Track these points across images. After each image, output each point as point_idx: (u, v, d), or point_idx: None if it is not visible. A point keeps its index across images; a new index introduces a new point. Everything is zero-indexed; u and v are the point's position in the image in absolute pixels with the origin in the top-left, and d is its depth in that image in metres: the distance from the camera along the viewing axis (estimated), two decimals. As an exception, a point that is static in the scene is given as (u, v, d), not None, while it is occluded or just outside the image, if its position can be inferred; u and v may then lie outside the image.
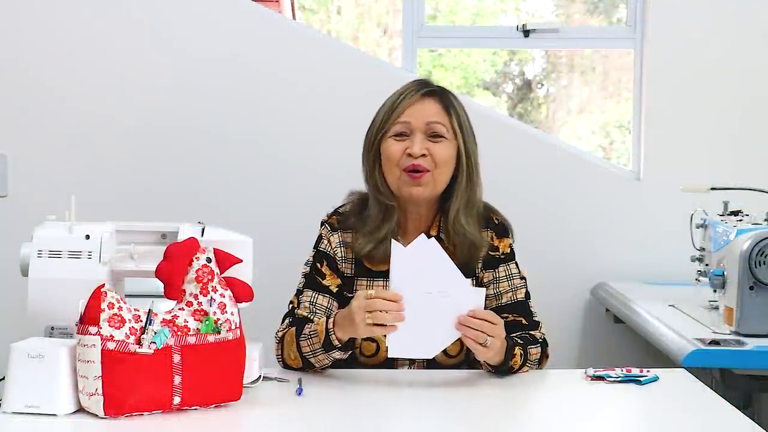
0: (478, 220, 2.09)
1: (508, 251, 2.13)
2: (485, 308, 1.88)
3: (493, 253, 2.11)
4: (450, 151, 2.04)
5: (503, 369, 1.93)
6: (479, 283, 2.10)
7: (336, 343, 1.89)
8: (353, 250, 2.08)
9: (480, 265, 2.10)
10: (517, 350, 1.94)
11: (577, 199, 3.22)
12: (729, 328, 2.28)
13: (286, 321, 2.05)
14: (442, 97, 2.07)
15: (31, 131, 3.12)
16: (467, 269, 2.05)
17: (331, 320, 1.90)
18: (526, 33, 3.34)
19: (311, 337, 1.92)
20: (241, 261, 1.76)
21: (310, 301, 2.05)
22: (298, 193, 3.13)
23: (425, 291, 1.83)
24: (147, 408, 1.62)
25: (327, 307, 2.05)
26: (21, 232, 1.94)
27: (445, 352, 2.02)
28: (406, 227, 2.11)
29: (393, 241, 1.85)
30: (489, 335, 1.83)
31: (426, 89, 2.07)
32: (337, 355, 1.91)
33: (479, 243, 2.07)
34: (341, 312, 1.90)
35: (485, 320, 1.84)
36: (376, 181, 2.08)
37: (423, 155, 2.01)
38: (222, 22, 3.14)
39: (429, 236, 2.05)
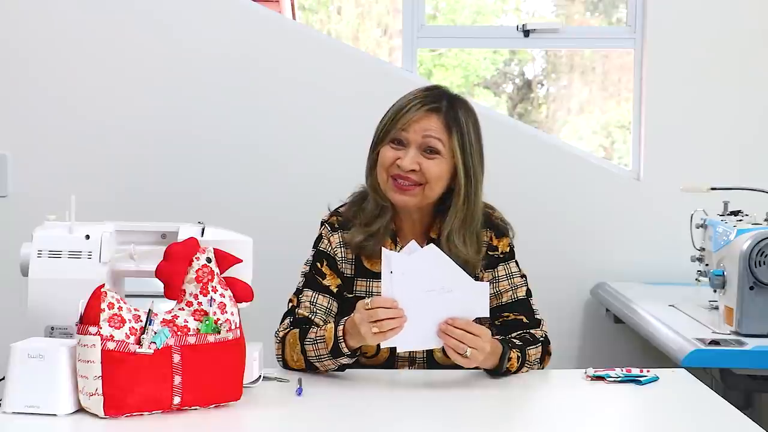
0: (476, 236, 2.08)
1: (508, 250, 2.13)
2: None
3: (492, 253, 2.11)
4: (442, 169, 2.02)
5: (498, 373, 1.93)
6: (480, 283, 2.10)
7: (345, 350, 1.89)
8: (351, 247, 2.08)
9: (480, 265, 2.10)
10: (513, 354, 1.94)
11: (577, 199, 3.22)
12: (729, 328, 2.28)
13: (287, 320, 2.05)
14: (448, 114, 2.03)
15: (31, 131, 3.12)
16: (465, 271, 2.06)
17: (340, 328, 1.89)
18: (526, 33, 3.33)
19: (317, 343, 1.92)
20: (241, 261, 1.76)
21: (310, 301, 2.05)
22: (298, 193, 3.13)
23: (428, 290, 1.83)
24: (147, 408, 1.62)
25: (327, 307, 2.05)
26: (21, 232, 1.94)
27: (445, 351, 2.02)
28: (402, 229, 2.11)
29: (384, 249, 1.84)
30: (469, 346, 1.83)
31: (432, 105, 2.03)
32: (345, 361, 1.92)
33: (473, 263, 2.06)
34: (349, 321, 1.89)
35: (466, 331, 1.83)
36: (373, 180, 2.08)
37: (413, 170, 2.01)
38: (222, 22, 3.14)
39: (429, 238, 2.06)
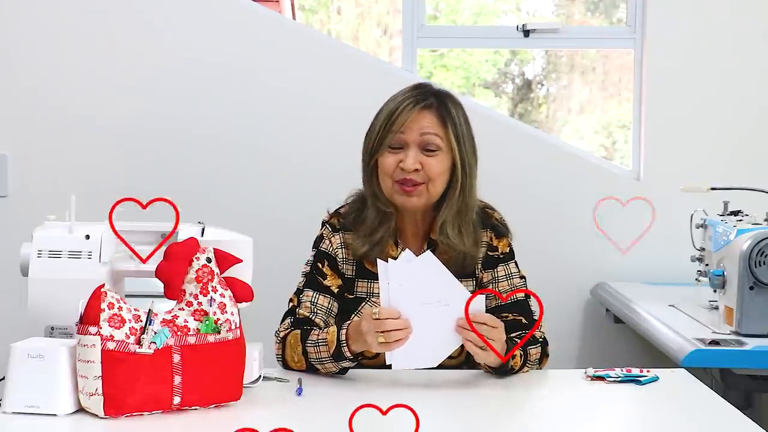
0: (473, 227, 2.09)
1: (507, 251, 2.13)
2: (486, 309, 1.88)
3: (492, 253, 2.11)
4: (444, 165, 2.04)
5: (503, 370, 1.93)
6: (479, 284, 2.10)
7: (348, 355, 1.89)
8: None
9: (479, 266, 2.11)
10: (517, 351, 1.94)
11: (577, 199, 3.22)
12: (729, 328, 2.28)
13: (287, 320, 2.05)
14: (440, 108, 2.05)
15: (31, 131, 3.12)
16: (466, 270, 2.05)
17: (343, 332, 1.90)
18: (527, 33, 3.33)
19: (319, 345, 1.92)
20: (241, 261, 1.76)
21: (311, 301, 2.05)
22: (298, 193, 3.13)
23: (425, 302, 1.83)
24: (147, 408, 1.62)
25: (327, 308, 2.05)
26: (21, 232, 1.94)
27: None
28: (404, 232, 2.11)
29: (380, 261, 1.83)
30: (489, 338, 1.84)
31: (423, 103, 2.04)
32: (347, 364, 1.92)
33: (471, 252, 2.07)
34: (353, 326, 1.89)
35: (485, 324, 1.84)
36: (373, 188, 2.08)
37: (416, 169, 2.01)
38: (222, 22, 3.14)
39: (430, 240, 2.06)
